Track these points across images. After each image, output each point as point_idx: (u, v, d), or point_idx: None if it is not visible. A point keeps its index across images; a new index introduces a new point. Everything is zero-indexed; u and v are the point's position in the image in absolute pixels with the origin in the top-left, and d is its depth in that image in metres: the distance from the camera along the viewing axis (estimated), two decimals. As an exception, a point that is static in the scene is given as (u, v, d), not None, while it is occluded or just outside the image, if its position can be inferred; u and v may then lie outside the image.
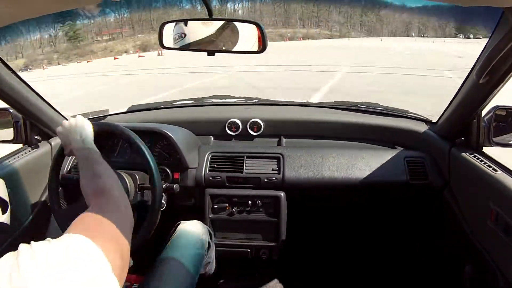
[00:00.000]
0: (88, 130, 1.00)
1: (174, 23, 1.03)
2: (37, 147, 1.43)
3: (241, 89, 9.50)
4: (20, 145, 1.42)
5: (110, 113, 1.77)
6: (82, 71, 19.79)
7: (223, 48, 1.04)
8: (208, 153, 1.50)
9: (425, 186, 1.41)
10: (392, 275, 1.71)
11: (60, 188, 1.19)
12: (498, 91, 1.07)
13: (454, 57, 17.86)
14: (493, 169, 1.12)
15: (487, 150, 1.25)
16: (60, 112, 1.55)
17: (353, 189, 1.45)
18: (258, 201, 1.43)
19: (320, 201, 1.65)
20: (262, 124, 1.63)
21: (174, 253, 1.11)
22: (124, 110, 1.86)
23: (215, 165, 1.47)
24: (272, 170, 1.45)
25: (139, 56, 32.30)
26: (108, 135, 1.46)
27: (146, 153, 1.08)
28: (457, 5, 0.73)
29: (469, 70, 1.10)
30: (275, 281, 1.65)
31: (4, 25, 0.81)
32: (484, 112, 1.21)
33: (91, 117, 1.73)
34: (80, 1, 0.82)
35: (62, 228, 1.08)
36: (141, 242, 1.05)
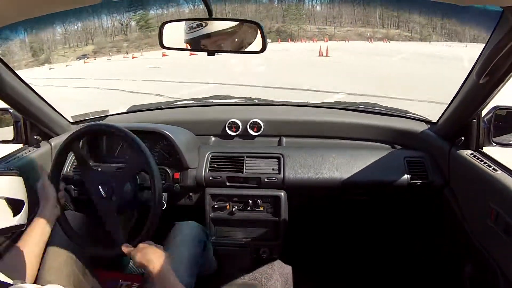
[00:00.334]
0: None
1: (174, 23, 1.03)
2: (38, 147, 1.43)
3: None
4: (20, 145, 1.42)
5: (110, 114, 1.77)
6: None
7: (223, 48, 1.04)
8: (208, 153, 1.50)
9: (425, 185, 1.42)
10: (393, 274, 1.71)
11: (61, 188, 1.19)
12: (498, 91, 1.07)
13: None
14: (493, 169, 1.12)
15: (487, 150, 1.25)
16: (60, 113, 1.55)
17: (353, 188, 1.45)
18: (259, 201, 1.43)
19: (320, 201, 1.66)
20: (262, 124, 1.63)
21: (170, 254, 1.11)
22: (124, 110, 1.86)
23: (215, 165, 1.47)
24: (272, 170, 1.45)
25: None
26: (108, 136, 1.47)
27: (146, 153, 1.08)
28: (457, 4, 0.73)
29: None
30: (275, 280, 1.65)
31: (2, 25, 0.81)
32: (484, 112, 1.22)
33: (91, 117, 1.73)
34: (79, 1, 0.82)
35: (64, 228, 1.08)
36: (143, 241, 1.05)
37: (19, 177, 0.70)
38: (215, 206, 1.44)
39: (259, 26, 0.97)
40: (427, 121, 1.60)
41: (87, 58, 30.10)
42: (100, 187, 1.08)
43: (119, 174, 1.14)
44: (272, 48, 18.64)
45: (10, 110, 1.36)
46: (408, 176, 1.42)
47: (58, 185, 1.14)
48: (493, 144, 1.23)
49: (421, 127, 1.56)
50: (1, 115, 1.41)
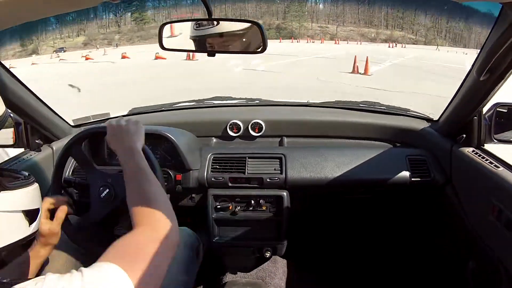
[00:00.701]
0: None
1: (175, 24, 1.04)
2: (39, 151, 1.43)
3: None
4: (22, 150, 1.42)
5: (111, 116, 1.77)
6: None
7: (223, 48, 1.04)
8: (210, 154, 1.50)
9: (427, 183, 1.42)
10: (396, 271, 1.71)
11: (63, 192, 1.19)
12: (499, 88, 1.07)
13: None
14: (495, 165, 1.12)
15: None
16: (61, 116, 1.55)
17: (355, 187, 1.45)
18: (261, 201, 1.43)
19: (323, 200, 1.66)
20: (263, 125, 1.63)
21: None
22: (125, 112, 1.86)
23: (217, 166, 1.47)
24: (274, 170, 1.45)
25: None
26: None
27: (148, 155, 1.08)
28: (457, 2, 0.73)
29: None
30: (278, 278, 1.65)
31: (2, 28, 0.81)
32: (485, 109, 1.22)
33: (92, 120, 1.73)
34: (80, 3, 0.82)
35: (67, 233, 1.08)
36: None
37: (36, 185, 0.70)
38: (218, 206, 1.44)
39: (259, 26, 0.97)
40: (428, 119, 1.60)
41: (64, 52, 29.05)
42: (102, 189, 1.08)
43: (121, 176, 1.14)
44: (272, 52, 16.94)
45: (11, 114, 1.36)
46: (410, 174, 1.42)
47: (60, 189, 1.14)
48: (495, 141, 1.23)
49: (422, 125, 1.56)
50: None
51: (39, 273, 0.98)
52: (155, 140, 1.44)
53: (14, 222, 0.64)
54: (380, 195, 1.58)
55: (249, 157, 1.48)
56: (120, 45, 34.15)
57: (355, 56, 12.19)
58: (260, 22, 1.00)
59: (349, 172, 1.43)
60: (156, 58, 17.22)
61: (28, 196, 0.69)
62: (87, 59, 21.37)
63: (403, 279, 1.67)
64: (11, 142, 1.39)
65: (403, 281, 1.66)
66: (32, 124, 1.39)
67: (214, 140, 1.67)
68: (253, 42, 1.02)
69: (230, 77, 10.55)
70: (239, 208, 1.44)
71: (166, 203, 0.77)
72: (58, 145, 1.49)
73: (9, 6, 0.65)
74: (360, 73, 11.08)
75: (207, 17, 0.90)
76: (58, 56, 25.70)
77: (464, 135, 1.31)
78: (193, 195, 1.49)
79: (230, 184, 1.44)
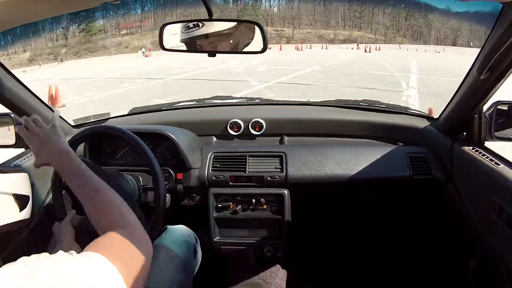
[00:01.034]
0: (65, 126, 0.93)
1: (175, 24, 1.04)
2: None
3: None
4: (23, 150, 1.42)
5: (111, 116, 1.77)
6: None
7: (224, 48, 1.04)
8: (210, 153, 1.50)
9: (428, 181, 1.42)
10: (397, 268, 1.72)
11: (64, 191, 1.19)
12: (499, 87, 1.07)
13: None
14: (496, 163, 1.12)
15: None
16: (62, 116, 1.55)
17: (356, 185, 1.45)
18: (262, 199, 1.43)
19: (323, 199, 1.66)
20: (264, 123, 1.63)
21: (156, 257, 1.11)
22: (126, 112, 1.86)
23: (218, 165, 1.47)
24: (275, 168, 1.45)
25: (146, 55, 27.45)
26: (110, 138, 1.47)
27: (149, 154, 1.09)
28: (457, 0, 0.73)
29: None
30: (280, 278, 1.66)
31: (4, 29, 0.82)
32: (485, 107, 1.22)
33: (92, 120, 1.74)
34: (79, 4, 0.82)
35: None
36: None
37: (25, 173, 0.71)
38: (219, 206, 1.44)
39: (259, 26, 0.97)
40: (428, 117, 1.60)
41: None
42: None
43: (122, 176, 1.15)
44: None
45: (12, 115, 1.36)
46: (411, 172, 1.42)
47: (61, 188, 1.15)
48: (495, 138, 1.23)
49: (423, 123, 1.56)
50: (2, 120, 1.41)
51: None
52: (155, 139, 1.45)
53: (5, 204, 0.65)
54: (381, 193, 1.58)
55: (249, 156, 1.48)
56: (66, 60, 31.46)
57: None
58: None
59: (350, 170, 1.43)
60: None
61: (18, 181, 0.70)
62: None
63: (405, 276, 1.68)
64: (12, 142, 1.39)
65: (404, 279, 1.67)
66: None
67: (215, 139, 1.67)
68: (242, 41, 1.02)
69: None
70: (239, 207, 1.44)
71: (122, 201, 0.76)
72: None
73: (9, 7, 0.66)
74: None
75: (205, 18, 0.90)
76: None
77: (465, 133, 1.31)
78: (194, 194, 1.49)
79: (230, 183, 1.45)
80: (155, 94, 9.02)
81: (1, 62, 1.15)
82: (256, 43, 0.99)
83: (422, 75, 11.89)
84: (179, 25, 1.03)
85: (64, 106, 7.59)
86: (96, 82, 12.53)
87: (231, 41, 1.02)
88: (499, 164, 1.11)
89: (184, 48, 1.04)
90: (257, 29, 0.98)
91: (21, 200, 0.67)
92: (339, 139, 1.62)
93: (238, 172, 1.45)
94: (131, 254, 0.59)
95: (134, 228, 0.69)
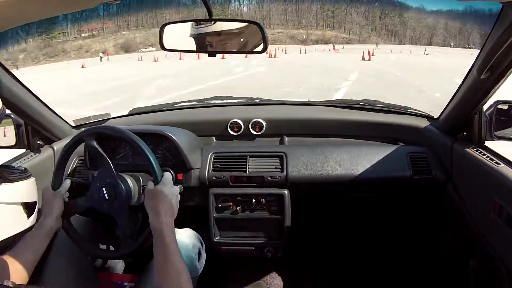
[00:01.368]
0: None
1: (175, 24, 1.04)
2: (39, 152, 1.43)
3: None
4: (23, 150, 1.42)
5: (111, 116, 1.77)
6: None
7: (224, 48, 1.04)
8: (211, 153, 1.50)
9: (428, 181, 1.42)
10: (397, 269, 1.72)
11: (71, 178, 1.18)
12: (499, 86, 1.07)
13: None
14: (496, 162, 1.12)
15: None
16: (62, 117, 1.55)
17: (357, 185, 1.45)
18: (262, 199, 1.43)
19: (324, 198, 1.66)
20: (264, 123, 1.63)
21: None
22: (126, 113, 1.86)
23: (218, 165, 1.47)
24: (275, 168, 1.45)
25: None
26: (110, 138, 1.47)
27: (149, 155, 1.08)
28: (457, 0, 0.73)
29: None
30: (280, 278, 1.66)
31: (5, 29, 0.82)
32: (485, 107, 1.22)
33: (92, 120, 1.73)
34: (79, 4, 0.82)
35: (67, 233, 1.08)
36: (146, 243, 1.06)
37: (33, 178, 0.72)
38: (219, 206, 1.44)
39: (259, 27, 0.97)
40: (428, 117, 1.60)
41: None
42: (103, 189, 1.08)
43: (124, 177, 1.15)
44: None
45: (12, 115, 1.36)
46: (411, 172, 1.42)
47: (64, 165, 1.14)
48: (495, 138, 1.23)
49: (423, 122, 1.56)
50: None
51: (42, 273, 0.99)
52: (156, 139, 1.45)
53: (14, 214, 0.65)
54: (382, 193, 1.58)
55: (250, 156, 1.48)
56: (24, 66, 28.77)
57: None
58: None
59: (350, 170, 1.43)
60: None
61: (27, 188, 0.70)
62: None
63: (405, 276, 1.68)
64: (12, 143, 1.39)
65: (405, 279, 1.67)
66: (33, 125, 1.39)
67: (215, 139, 1.67)
68: (251, 41, 1.02)
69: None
70: (240, 207, 1.44)
71: (189, 280, 0.83)
72: (59, 145, 1.49)
73: (9, 7, 0.66)
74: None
75: (205, 17, 0.90)
76: None
77: (465, 133, 1.31)
78: (194, 195, 1.49)
79: (231, 183, 1.45)
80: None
81: (0, 62, 1.15)
82: (256, 42, 1.00)
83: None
84: (179, 25, 1.03)
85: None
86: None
87: (241, 40, 1.03)
88: (499, 164, 1.11)
89: (185, 48, 1.04)
90: (258, 29, 0.98)
91: (29, 208, 0.67)
92: (339, 139, 1.62)
93: (238, 172, 1.45)
94: None
95: None
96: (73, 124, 1.66)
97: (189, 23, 1.02)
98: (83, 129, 1.58)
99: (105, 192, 1.08)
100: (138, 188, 1.20)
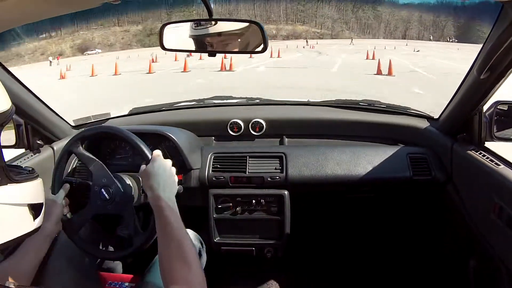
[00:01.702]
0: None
1: (175, 24, 1.04)
2: (39, 151, 1.43)
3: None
4: (23, 150, 1.42)
5: (111, 116, 1.77)
6: None
7: (224, 48, 1.04)
8: (210, 153, 1.50)
9: (428, 181, 1.42)
10: (398, 269, 1.72)
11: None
12: (499, 86, 1.07)
13: None
14: (496, 163, 1.12)
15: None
16: (62, 116, 1.55)
17: (357, 186, 1.45)
18: (262, 200, 1.43)
19: (324, 199, 1.66)
20: (264, 124, 1.63)
21: None
22: (126, 113, 1.86)
23: (218, 166, 1.47)
24: (275, 169, 1.45)
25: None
26: (110, 138, 1.47)
27: (133, 138, 1.08)
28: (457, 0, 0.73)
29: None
30: (280, 279, 1.66)
31: (5, 29, 0.82)
32: (485, 107, 1.22)
33: (92, 120, 1.73)
34: (80, 5, 0.82)
35: (68, 233, 1.08)
36: (146, 244, 1.06)
37: (40, 179, 0.72)
38: (219, 206, 1.44)
39: (259, 26, 0.97)
40: (428, 117, 1.60)
41: None
42: (103, 189, 1.08)
43: (122, 176, 1.14)
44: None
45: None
46: (411, 172, 1.42)
47: (60, 189, 1.15)
48: (495, 139, 1.23)
49: (423, 123, 1.56)
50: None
51: (42, 274, 0.99)
52: (155, 139, 1.44)
53: (20, 216, 0.65)
54: (381, 193, 1.58)
55: (249, 156, 1.48)
56: None
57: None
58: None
59: (350, 170, 1.43)
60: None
61: (34, 189, 0.70)
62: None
63: (405, 277, 1.67)
64: (12, 142, 1.39)
65: (405, 279, 1.67)
66: (33, 124, 1.39)
67: (215, 139, 1.67)
68: (252, 41, 1.02)
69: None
70: (240, 208, 1.44)
71: (198, 262, 0.81)
72: (59, 145, 1.49)
73: (9, 7, 0.66)
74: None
75: (207, 17, 0.90)
76: None
77: (465, 133, 1.31)
78: (194, 195, 1.49)
79: (231, 184, 1.44)
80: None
81: (0, 61, 1.15)
82: (256, 42, 1.00)
83: None
84: (179, 24, 1.03)
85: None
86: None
87: (241, 41, 1.02)
88: (499, 165, 1.11)
89: (185, 48, 1.04)
90: (257, 29, 0.98)
91: (35, 209, 0.67)
92: (339, 139, 1.62)
93: (238, 173, 1.45)
94: None
95: None
96: (73, 124, 1.66)
97: (189, 23, 1.02)
98: (83, 128, 1.58)
99: (104, 193, 1.08)
100: (138, 189, 1.20)
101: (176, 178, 1.00)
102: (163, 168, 0.97)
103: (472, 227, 1.22)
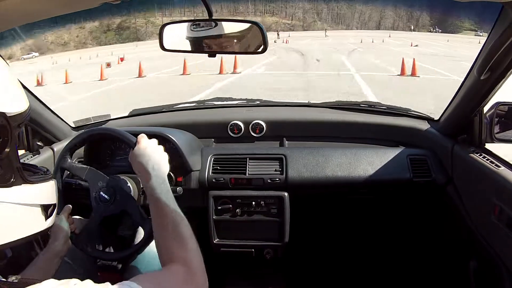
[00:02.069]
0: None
1: (175, 24, 1.04)
2: (39, 153, 1.43)
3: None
4: (22, 151, 1.42)
5: (111, 118, 1.77)
6: None
7: (224, 49, 1.04)
8: (210, 155, 1.49)
9: (428, 183, 1.41)
10: (398, 271, 1.71)
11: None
12: (499, 87, 1.07)
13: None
14: (496, 165, 1.12)
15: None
16: (61, 117, 1.55)
17: (357, 188, 1.45)
18: (262, 202, 1.43)
19: (324, 201, 1.65)
20: (264, 125, 1.63)
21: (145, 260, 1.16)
22: (126, 114, 1.86)
23: (218, 167, 1.47)
24: (275, 170, 1.45)
25: None
26: (110, 140, 1.47)
27: (114, 129, 1.08)
28: (457, 0, 0.73)
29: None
30: (279, 280, 1.65)
31: (6, 29, 0.82)
32: (485, 108, 1.22)
33: (92, 121, 1.73)
34: (80, 5, 0.83)
35: (80, 247, 1.07)
36: (145, 245, 1.05)
37: (54, 180, 0.73)
38: (218, 208, 1.43)
39: (259, 27, 0.98)
40: (429, 119, 1.60)
41: None
42: (101, 192, 1.08)
43: (121, 178, 1.14)
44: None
45: None
46: (412, 174, 1.41)
47: (60, 190, 1.14)
48: (496, 140, 1.22)
49: (423, 124, 1.56)
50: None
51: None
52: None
53: (32, 215, 0.66)
54: (382, 195, 1.58)
55: (249, 158, 1.48)
56: None
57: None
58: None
59: (350, 172, 1.43)
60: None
61: (47, 190, 0.71)
62: None
63: (406, 278, 1.67)
64: None
65: (405, 281, 1.66)
66: (32, 126, 1.39)
67: (215, 141, 1.67)
68: (252, 43, 1.02)
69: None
70: (240, 209, 1.43)
71: (195, 241, 0.81)
72: (59, 146, 1.49)
73: (9, 7, 0.66)
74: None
75: (207, 17, 0.90)
76: None
77: (465, 135, 1.31)
78: (194, 197, 1.49)
79: (230, 185, 1.44)
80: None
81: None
82: (256, 43, 1.00)
83: None
84: (179, 25, 1.03)
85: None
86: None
87: (243, 42, 1.02)
88: (499, 166, 1.11)
89: (185, 48, 1.04)
90: (257, 29, 0.98)
91: (48, 209, 0.68)
92: (339, 141, 1.62)
93: (238, 174, 1.44)
94: None
95: (195, 271, 0.73)
96: (73, 125, 1.66)
97: (188, 24, 1.02)
98: (83, 130, 1.58)
99: (104, 195, 1.08)
100: (138, 190, 1.20)
101: (165, 156, 0.98)
102: (149, 147, 0.95)
103: (473, 228, 1.21)
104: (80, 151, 1.36)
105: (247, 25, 1.00)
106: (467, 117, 1.26)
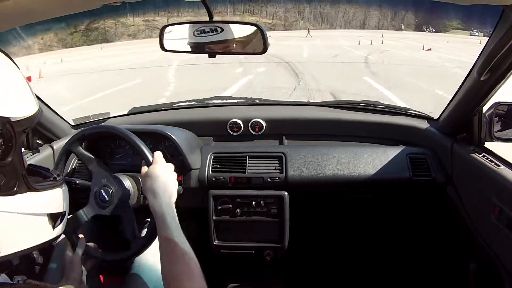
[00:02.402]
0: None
1: (175, 26, 1.03)
2: (38, 151, 1.43)
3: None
4: (22, 150, 1.41)
5: (111, 116, 1.77)
6: None
7: (224, 50, 1.04)
8: (210, 153, 1.49)
9: (428, 182, 1.42)
10: (397, 271, 1.72)
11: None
12: (499, 88, 1.08)
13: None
14: (496, 164, 1.12)
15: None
16: (61, 115, 1.55)
17: (356, 186, 1.45)
18: (262, 201, 1.42)
19: (324, 200, 1.66)
20: (263, 124, 1.62)
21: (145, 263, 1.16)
22: (125, 112, 1.85)
23: (218, 166, 1.47)
24: (275, 169, 1.45)
25: None
26: (109, 138, 1.47)
27: (134, 139, 1.08)
28: (457, 3, 0.73)
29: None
30: (280, 282, 1.66)
31: (4, 30, 0.81)
32: (485, 108, 1.22)
33: (92, 119, 1.73)
34: (80, 5, 0.82)
35: (67, 234, 1.08)
36: (143, 249, 1.06)
37: (65, 186, 0.70)
38: (218, 208, 1.43)
39: (259, 28, 0.97)
40: (428, 118, 1.60)
41: None
42: (102, 190, 1.08)
43: (121, 177, 1.14)
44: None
45: None
46: (411, 173, 1.42)
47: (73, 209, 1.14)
48: (495, 139, 1.23)
49: (423, 123, 1.56)
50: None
51: (42, 276, 0.98)
52: (155, 139, 1.44)
53: (38, 226, 0.62)
54: (381, 194, 1.58)
55: (249, 156, 1.48)
56: None
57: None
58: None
59: (350, 171, 1.43)
60: None
61: (55, 199, 0.67)
62: None
63: (405, 279, 1.68)
64: None
65: (405, 281, 1.67)
66: None
67: (214, 139, 1.67)
68: (252, 44, 1.02)
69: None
70: (239, 209, 1.43)
71: (200, 272, 0.82)
72: (58, 144, 1.48)
73: (10, 8, 0.66)
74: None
75: (207, 19, 0.90)
76: None
77: (465, 134, 1.31)
78: (194, 196, 1.49)
79: (230, 184, 1.44)
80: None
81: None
82: (256, 44, 1.00)
83: None
84: (179, 26, 1.03)
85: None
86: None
87: (243, 45, 1.02)
88: (499, 166, 1.11)
89: (184, 49, 1.04)
90: (257, 31, 0.98)
91: (55, 218, 0.65)
92: (339, 140, 1.62)
93: (238, 173, 1.44)
94: None
95: None
96: (72, 123, 1.65)
97: (190, 25, 1.02)
98: (82, 128, 1.58)
99: (103, 193, 1.07)
100: (138, 189, 1.20)
101: (176, 182, 0.99)
102: (165, 173, 0.96)
103: (472, 229, 1.22)
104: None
105: (251, 30, 0.99)
106: (466, 116, 1.27)
